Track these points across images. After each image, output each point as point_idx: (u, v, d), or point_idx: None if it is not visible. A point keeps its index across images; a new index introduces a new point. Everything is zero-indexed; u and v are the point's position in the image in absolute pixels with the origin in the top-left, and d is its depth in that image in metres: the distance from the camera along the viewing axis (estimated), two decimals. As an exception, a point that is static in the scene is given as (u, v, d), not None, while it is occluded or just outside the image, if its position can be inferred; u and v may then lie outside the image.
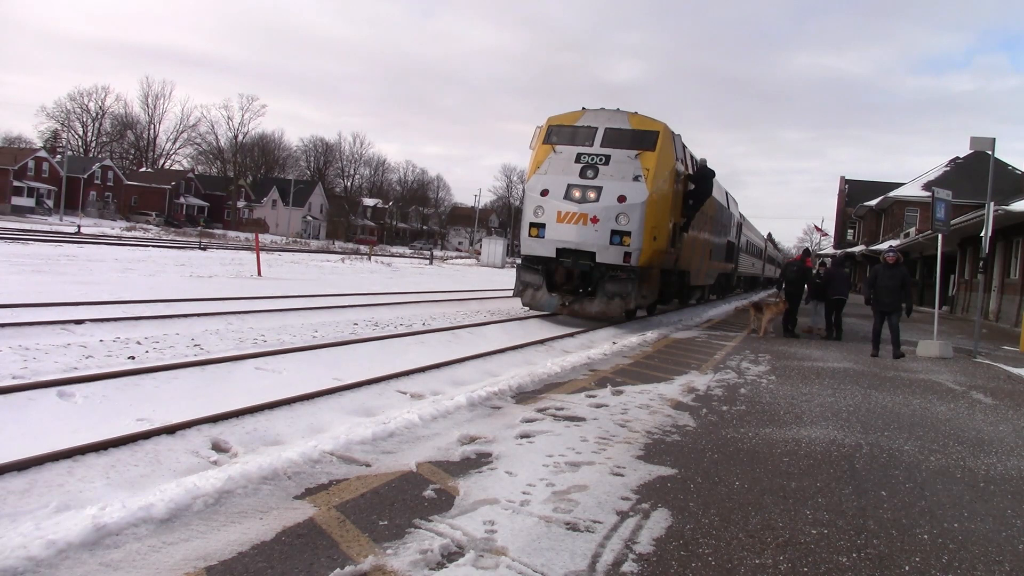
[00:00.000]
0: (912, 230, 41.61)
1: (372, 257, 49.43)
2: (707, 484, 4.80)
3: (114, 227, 58.06)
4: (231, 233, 72.71)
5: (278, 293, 16.43)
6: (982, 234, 15.20)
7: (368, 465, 4.77)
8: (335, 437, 5.16)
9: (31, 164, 76.42)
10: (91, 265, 20.51)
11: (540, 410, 6.64)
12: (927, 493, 4.98)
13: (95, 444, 4.92)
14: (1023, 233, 24.43)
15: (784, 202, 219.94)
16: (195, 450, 5.23)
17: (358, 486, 4.34)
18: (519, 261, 16.04)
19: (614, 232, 14.35)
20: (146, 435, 5.26)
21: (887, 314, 13.17)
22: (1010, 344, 17.72)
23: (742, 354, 11.94)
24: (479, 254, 62.91)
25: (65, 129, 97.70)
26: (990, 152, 15.12)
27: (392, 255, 64.05)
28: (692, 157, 18.20)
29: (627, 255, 14.36)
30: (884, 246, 41.53)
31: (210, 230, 72.45)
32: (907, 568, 3.68)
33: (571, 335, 13.60)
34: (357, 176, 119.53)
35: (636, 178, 14.46)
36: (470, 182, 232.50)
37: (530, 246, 15.13)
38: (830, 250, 64.69)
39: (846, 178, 70.10)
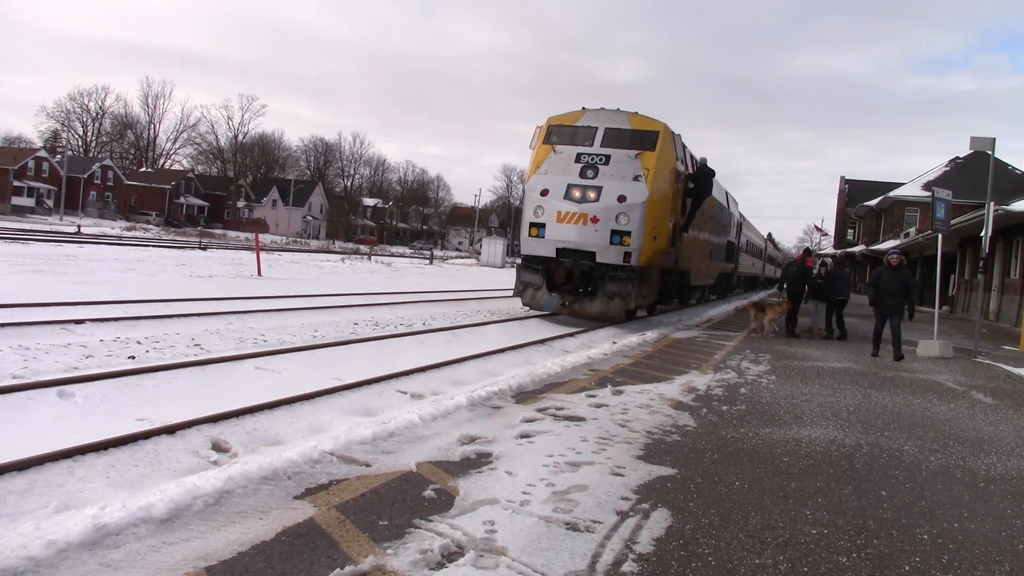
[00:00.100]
0: (912, 230, 41.62)
1: (372, 257, 49.43)
2: (707, 484, 4.80)
3: (114, 227, 58.05)
4: (231, 233, 72.72)
5: (278, 293, 16.43)
6: (982, 234, 15.20)
7: (368, 465, 4.77)
8: (335, 437, 5.16)
9: (31, 164, 76.43)
10: (91, 265, 20.51)
11: (540, 410, 6.64)
12: (927, 493, 4.98)
13: (95, 444, 4.92)
14: (1023, 233, 24.43)
15: (784, 202, 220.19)
16: (195, 450, 5.23)
17: (358, 486, 4.34)
18: (519, 261, 16.04)
19: (614, 232, 14.34)
20: (146, 435, 5.26)
21: (888, 316, 13.09)
22: (1010, 344, 17.72)
23: (742, 354, 11.94)
24: (479, 254, 62.92)
25: (65, 129, 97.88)
26: (990, 152, 15.12)
27: (392, 255, 64.05)
28: (692, 157, 18.20)
29: (627, 255, 14.35)
30: (885, 246, 41.57)
31: (210, 230, 72.45)
32: (907, 568, 3.68)
33: (571, 335, 13.60)
34: (357, 176, 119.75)
35: (636, 178, 14.46)
36: (470, 182, 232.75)
37: (530, 246, 15.13)
38: (830, 250, 64.68)
39: (846, 178, 70.13)
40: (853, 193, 65.61)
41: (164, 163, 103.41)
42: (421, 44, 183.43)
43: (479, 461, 4.99)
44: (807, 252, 19.27)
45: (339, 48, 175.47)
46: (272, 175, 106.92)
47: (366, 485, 4.36)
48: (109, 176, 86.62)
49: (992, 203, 15.37)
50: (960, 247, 31.50)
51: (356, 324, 12.35)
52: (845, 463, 5.59)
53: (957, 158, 48.51)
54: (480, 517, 3.93)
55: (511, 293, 16.99)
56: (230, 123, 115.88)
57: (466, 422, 6.05)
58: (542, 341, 12.30)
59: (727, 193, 26.44)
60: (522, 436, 5.68)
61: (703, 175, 17.73)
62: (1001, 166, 38.83)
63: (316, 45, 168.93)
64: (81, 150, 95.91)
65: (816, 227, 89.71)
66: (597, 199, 14.39)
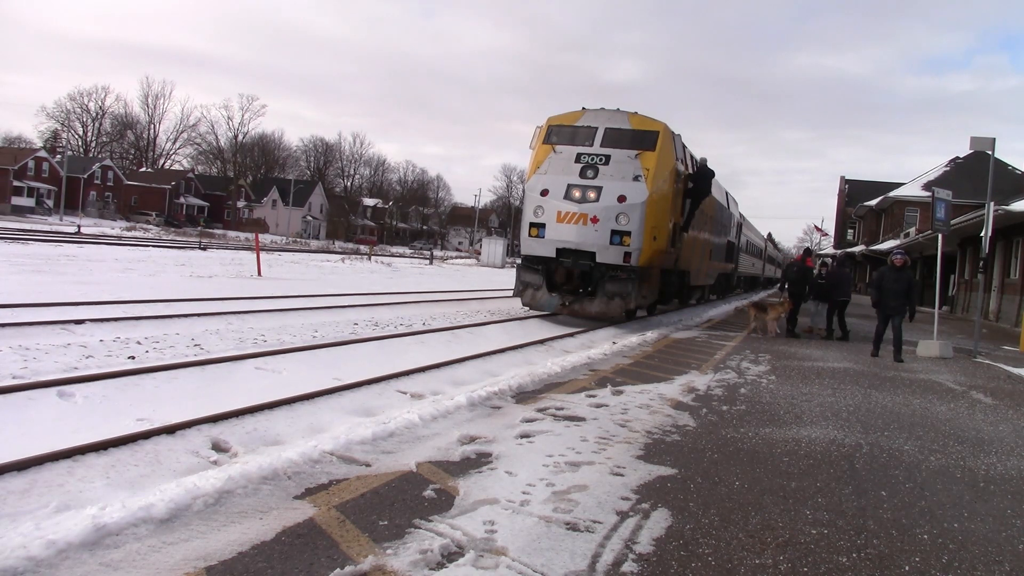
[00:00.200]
0: (912, 230, 41.62)
1: (372, 257, 49.43)
2: (707, 484, 4.80)
3: (114, 227, 58.06)
4: (231, 233, 72.72)
5: (278, 293, 16.43)
6: (982, 234, 15.20)
7: (368, 465, 4.77)
8: (335, 437, 5.16)
9: (31, 164, 76.42)
10: (91, 265, 20.52)
11: (540, 410, 6.64)
12: (927, 493, 4.98)
13: (95, 444, 4.92)
14: (1023, 233, 24.43)
15: (784, 202, 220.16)
16: (195, 450, 5.23)
17: (358, 486, 4.34)
18: (519, 261, 16.03)
19: (614, 232, 14.34)
20: (146, 435, 5.26)
21: (891, 316, 12.97)
22: (1010, 344, 17.72)
23: (742, 354, 11.94)
24: (479, 254, 62.92)
25: (65, 129, 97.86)
26: (990, 152, 15.12)
27: (392, 255, 64.06)
28: (692, 157, 18.21)
29: (627, 255, 14.35)
30: (885, 246, 41.57)
31: (210, 230, 72.46)
32: (907, 568, 3.68)
33: (571, 335, 13.60)
34: (357, 176, 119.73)
35: (636, 178, 14.46)
36: (470, 182, 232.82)
37: (530, 246, 15.13)
38: (830, 250, 64.68)
39: (846, 178, 70.14)
40: (853, 193, 65.61)
41: (164, 163, 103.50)
42: (421, 44, 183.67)
43: (479, 461, 4.99)
44: (807, 252, 19.26)
45: (339, 48, 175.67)
46: (272, 175, 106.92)
47: (366, 485, 4.36)
48: (109, 176, 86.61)
49: (992, 203, 15.37)
50: (960, 247, 31.50)
51: (356, 324, 12.35)
52: (845, 463, 5.59)
53: (957, 158, 48.51)
54: (480, 517, 3.93)
55: (511, 293, 16.99)
56: (230, 123, 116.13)
57: (466, 422, 6.05)
58: (542, 341, 12.30)
59: (727, 193, 26.44)
60: (522, 436, 5.68)
61: (703, 175, 17.73)
62: (1001, 166, 38.83)
63: (316, 45, 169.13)
64: (81, 150, 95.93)
65: (816, 227, 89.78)
66: (597, 199, 14.38)
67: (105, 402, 6.31)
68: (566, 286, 15.11)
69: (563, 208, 14.56)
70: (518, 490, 4.41)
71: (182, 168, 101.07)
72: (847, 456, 5.81)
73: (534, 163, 15.46)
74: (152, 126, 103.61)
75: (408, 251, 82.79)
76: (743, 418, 6.95)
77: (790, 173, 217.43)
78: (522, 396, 7.23)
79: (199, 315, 11.33)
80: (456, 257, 74.44)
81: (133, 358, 8.14)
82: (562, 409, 6.73)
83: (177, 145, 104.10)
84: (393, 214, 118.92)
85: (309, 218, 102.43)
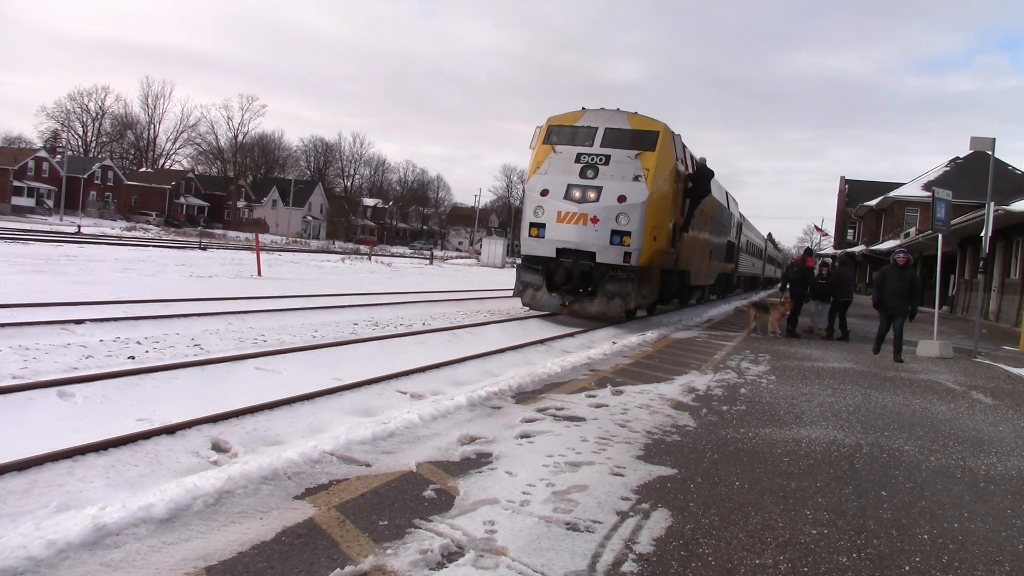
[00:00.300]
0: (912, 230, 41.62)
1: (372, 257, 49.44)
2: (707, 484, 4.80)
3: (114, 227, 58.06)
4: (231, 233, 72.72)
5: (278, 293, 16.43)
6: (982, 234, 15.20)
7: (368, 465, 4.77)
8: (335, 437, 5.16)
9: (31, 164, 76.42)
10: (91, 265, 20.52)
11: (540, 410, 6.64)
12: (927, 493, 4.98)
13: (95, 444, 4.92)
14: (1023, 233, 24.43)
15: (784, 202, 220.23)
16: (195, 450, 5.23)
17: (358, 486, 4.34)
18: (519, 261, 16.04)
19: (614, 232, 14.34)
20: (146, 435, 5.26)
21: (893, 316, 12.78)
22: (1010, 344, 17.72)
23: (742, 354, 11.94)
24: (479, 254, 62.93)
25: (65, 129, 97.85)
26: (990, 152, 15.12)
27: (392, 255, 64.06)
28: (692, 157, 18.21)
29: (627, 255, 14.35)
30: (885, 246, 41.56)
31: (210, 230, 72.46)
32: (907, 568, 3.68)
33: (571, 335, 13.60)
34: (357, 176, 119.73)
35: (636, 178, 14.46)
36: (470, 182, 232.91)
37: (530, 246, 15.13)
38: (830, 250, 64.66)
39: (846, 178, 70.11)
40: (853, 193, 65.59)
41: (164, 163, 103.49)
42: (421, 44, 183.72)
43: (479, 461, 4.99)
44: (808, 252, 19.24)
45: (339, 48, 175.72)
46: (272, 175, 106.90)
47: (366, 485, 4.36)
48: (109, 176, 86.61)
49: (992, 203, 15.36)
50: (960, 247, 31.50)
51: (356, 324, 12.35)
52: (845, 463, 5.59)
53: (957, 158, 48.50)
54: (480, 517, 3.93)
55: (511, 293, 16.99)
56: (230, 123, 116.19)
57: (466, 422, 6.05)
58: (542, 341, 12.30)
59: (727, 193, 26.45)
60: (522, 436, 5.68)
61: (702, 175, 17.73)
62: (1001, 166, 38.84)
63: (316, 45, 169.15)
64: (81, 150, 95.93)
65: (816, 227, 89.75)
66: (597, 199, 14.39)
67: (105, 402, 6.31)
68: (566, 286, 15.12)
69: (563, 208, 14.56)
70: (518, 490, 4.41)
71: (182, 168, 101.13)
72: (847, 456, 5.80)
73: (534, 163, 15.46)
74: (152, 126, 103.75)
75: (408, 251, 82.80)
76: (743, 418, 6.95)
77: (790, 173, 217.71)
78: (522, 396, 7.23)
79: (199, 315, 11.33)
80: (456, 257, 74.44)
81: (133, 358, 8.14)
82: (562, 409, 6.73)
83: (177, 145, 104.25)
84: (393, 214, 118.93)
85: (309, 218, 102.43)
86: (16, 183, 72.94)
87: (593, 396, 7.45)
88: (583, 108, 15.89)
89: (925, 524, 4.34)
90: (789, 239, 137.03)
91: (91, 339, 8.87)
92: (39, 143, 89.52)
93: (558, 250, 14.76)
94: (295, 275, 24.47)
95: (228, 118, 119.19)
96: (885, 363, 12.18)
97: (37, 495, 4.15)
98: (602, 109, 15.77)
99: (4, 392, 6.10)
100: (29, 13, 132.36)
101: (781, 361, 11.40)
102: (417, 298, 18.33)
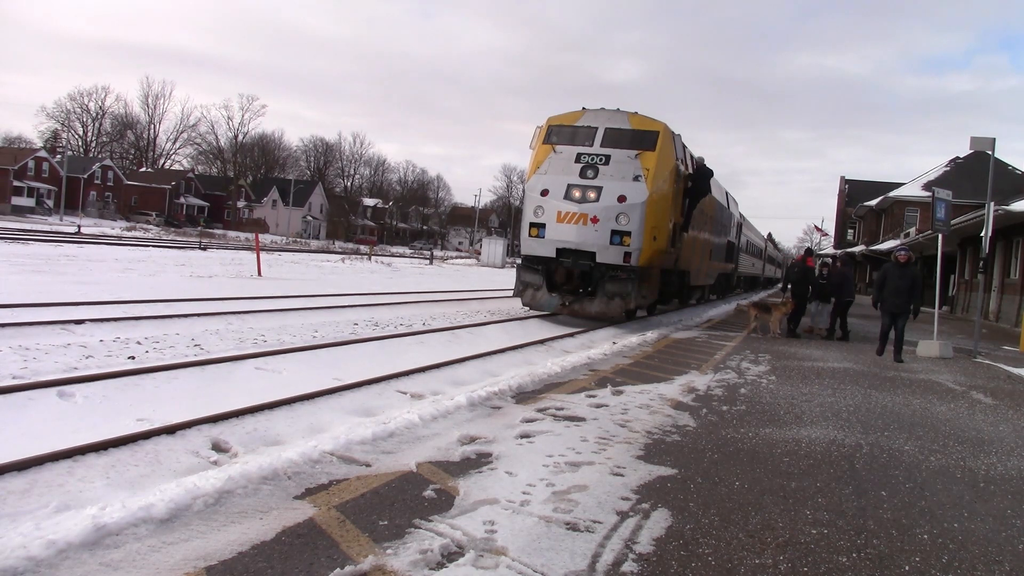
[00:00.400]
0: (912, 230, 41.62)
1: (372, 257, 49.44)
2: (707, 484, 4.80)
3: (114, 227, 58.07)
4: (231, 233, 72.72)
5: (278, 293, 16.43)
6: (982, 234, 15.19)
7: (368, 465, 4.77)
8: (335, 437, 5.16)
9: (31, 164, 76.43)
10: (91, 265, 20.52)
11: (540, 410, 6.64)
12: (927, 493, 4.98)
13: (95, 444, 4.92)
14: (1023, 233, 24.43)
15: (784, 202, 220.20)
16: (195, 450, 5.23)
17: (358, 486, 4.34)
18: (519, 261, 16.04)
19: (614, 232, 14.35)
20: (146, 435, 5.26)
21: (896, 316, 12.58)
22: (1010, 344, 17.72)
23: (742, 354, 11.94)
24: (479, 254, 62.93)
25: (65, 129, 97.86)
26: (990, 152, 15.12)
27: (392, 255, 64.06)
28: (692, 157, 18.21)
29: (627, 255, 14.36)
30: (886, 246, 41.55)
31: (210, 230, 72.46)
32: (907, 568, 3.68)
33: (571, 335, 13.60)
34: (357, 176, 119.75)
35: (636, 178, 14.46)
36: (470, 182, 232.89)
37: (530, 246, 15.13)
38: (830, 250, 64.66)
39: (846, 178, 70.10)
40: (853, 193, 65.59)
41: (164, 163, 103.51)
42: (421, 44, 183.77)
43: (479, 461, 4.99)
44: (808, 252, 19.23)
45: (339, 48, 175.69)
46: (272, 175, 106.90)
47: (366, 485, 4.36)
48: (109, 176, 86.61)
49: (992, 203, 15.36)
50: (960, 247, 31.50)
51: (356, 324, 12.34)
52: (845, 463, 5.59)
53: (957, 158, 48.49)
54: (480, 517, 3.93)
55: (511, 293, 16.99)
56: (230, 123, 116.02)
57: (466, 422, 6.05)
58: (542, 341, 12.30)
59: (727, 193, 26.45)
60: (522, 436, 5.68)
61: (700, 174, 17.73)
62: (1001, 166, 38.83)
63: (316, 45, 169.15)
64: (81, 150, 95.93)
65: (816, 227, 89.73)
66: (597, 199, 14.39)
67: (105, 402, 6.31)
68: (566, 286, 15.12)
69: (563, 208, 14.56)
70: (518, 490, 4.41)
71: (182, 168, 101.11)
72: (847, 456, 5.80)
73: (534, 163, 15.46)
74: (152, 126, 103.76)
75: (408, 251, 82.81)
76: (743, 418, 6.95)
77: (790, 173, 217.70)
78: (522, 396, 7.23)
79: (199, 315, 11.33)
80: (456, 257, 74.44)
81: (133, 358, 8.14)
82: (562, 409, 6.73)
83: (177, 145, 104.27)
84: (393, 214, 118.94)
85: (309, 218, 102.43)
86: (16, 183, 72.95)
87: (593, 396, 7.45)
88: (583, 108, 15.89)
89: (925, 524, 4.34)
90: (789, 239, 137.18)
91: (91, 339, 8.87)
92: (39, 143, 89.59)
93: (558, 250, 14.76)
94: (295, 275, 24.47)
95: (228, 118, 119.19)
96: (885, 363, 12.18)
97: (37, 495, 4.15)
98: (602, 109, 15.77)
99: (4, 392, 6.10)
100: (29, 13, 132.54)
101: (781, 361, 11.40)
102: (417, 298, 18.33)
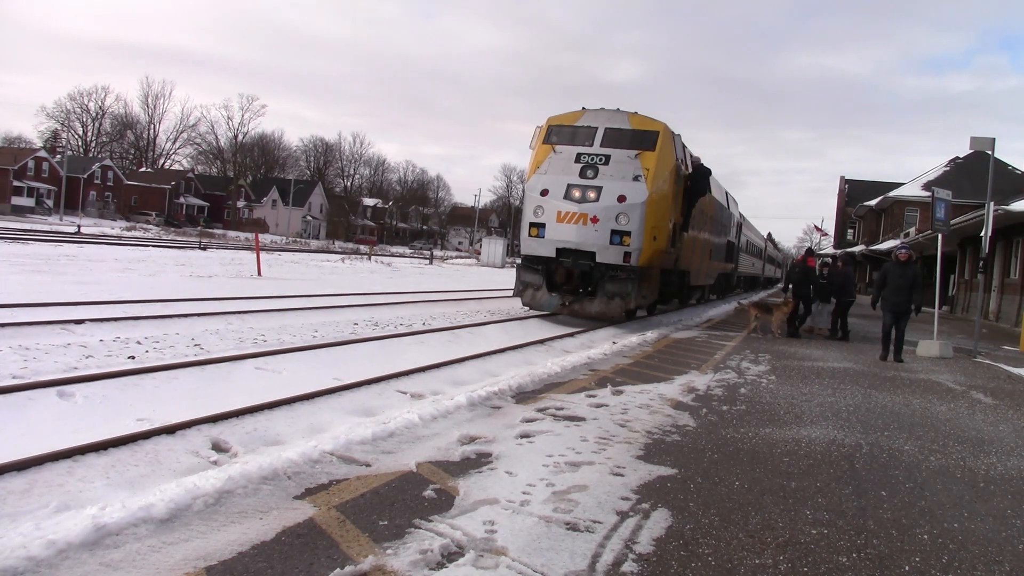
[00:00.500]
0: (912, 230, 41.62)
1: (372, 257, 49.44)
2: (707, 484, 4.80)
3: (114, 227, 58.06)
4: (231, 233, 72.72)
5: (278, 293, 16.43)
6: (982, 234, 15.19)
7: (368, 465, 4.76)
8: (335, 437, 5.16)
9: (31, 164, 76.41)
10: (91, 265, 20.52)
11: (540, 410, 6.64)
12: (927, 493, 4.98)
13: (95, 444, 4.92)
14: (1023, 233, 24.43)
15: (784, 202, 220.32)
16: (195, 450, 5.23)
17: (358, 486, 4.34)
18: (519, 261, 16.04)
19: (614, 232, 14.35)
20: (146, 435, 5.26)
21: (898, 315, 12.49)
22: (1010, 344, 17.72)
23: (742, 354, 11.94)
24: (479, 254, 62.93)
25: (65, 129, 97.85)
26: (990, 152, 15.12)
27: (392, 255, 64.05)
28: (691, 157, 18.21)
29: (627, 255, 14.36)
30: (885, 246, 41.54)
31: (210, 230, 72.45)
32: (907, 568, 3.68)
33: (571, 335, 13.60)
34: (357, 176, 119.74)
35: (636, 178, 14.46)
36: (470, 182, 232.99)
37: (530, 246, 15.14)
38: (830, 250, 64.64)
39: (846, 178, 70.11)
40: (853, 193, 65.58)
41: (164, 163, 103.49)
42: (421, 44, 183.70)
43: (479, 461, 4.99)
44: (810, 252, 19.21)
45: (339, 48, 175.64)
46: (272, 175, 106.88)
47: (366, 485, 4.36)
48: (109, 176, 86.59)
49: (992, 203, 15.36)
50: (960, 247, 31.50)
51: (356, 324, 12.34)
52: (845, 463, 5.59)
53: (957, 158, 48.49)
54: (480, 517, 3.93)
55: (511, 293, 16.99)
56: (230, 123, 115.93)
57: (466, 422, 6.05)
58: (542, 341, 12.30)
59: (727, 193, 26.45)
60: (522, 436, 5.68)
61: (699, 174, 17.74)
62: (1001, 166, 38.83)
63: (316, 45, 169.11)
64: (81, 150, 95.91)
65: (816, 227, 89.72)
66: (597, 199, 14.39)
67: (105, 402, 6.31)
68: (566, 286, 15.12)
69: (563, 208, 14.56)
70: (518, 490, 4.41)
71: (182, 168, 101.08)
72: (847, 456, 5.80)
73: (534, 163, 15.46)
74: (152, 126, 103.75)
75: (408, 251, 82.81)
76: (743, 418, 6.95)
77: (790, 173, 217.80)
78: (522, 396, 7.23)
79: (199, 315, 11.33)
80: (456, 257, 74.44)
81: (133, 358, 8.14)
82: (562, 409, 6.73)
83: (177, 145, 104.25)
84: (393, 214, 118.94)
85: (309, 218, 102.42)
86: (16, 183, 72.93)
87: (593, 396, 7.45)
88: (583, 108, 15.89)
89: (925, 524, 4.34)
90: (789, 239, 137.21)
91: (91, 339, 8.87)
92: (39, 143, 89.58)
93: (558, 250, 14.76)
94: (295, 275, 24.47)
95: (228, 118, 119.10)
96: (885, 363, 12.18)
97: (37, 495, 4.15)
98: (602, 109, 15.78)
99: (4, 392, 6.10)
100: (29, 13, 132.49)
101: (781, 361, 11.40)
102: (417, 298, 18.33)
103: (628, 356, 10.73)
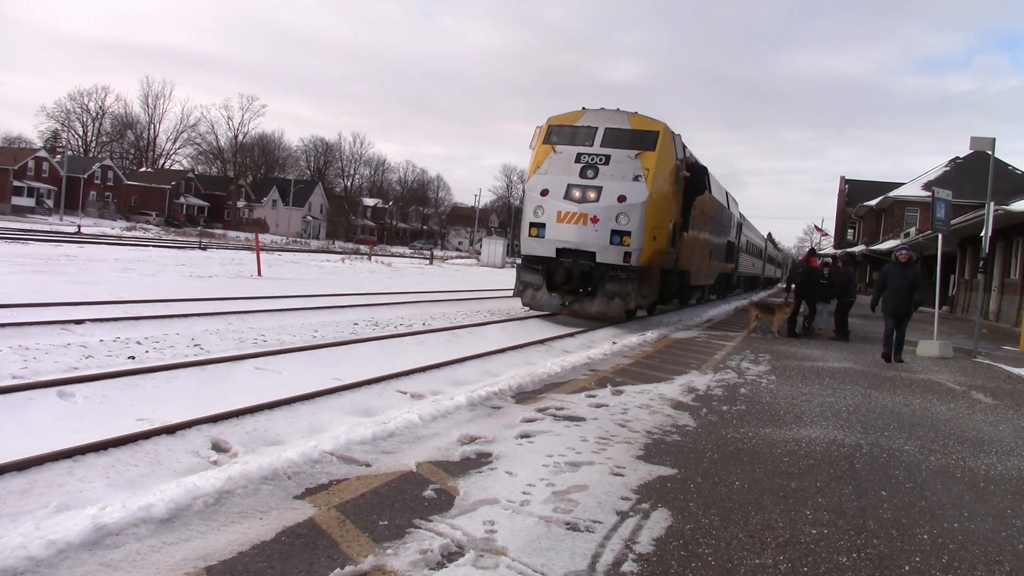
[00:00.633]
0: (912, 230, 41.62)
1: (372, 257, 49.44)
2: (707, 484, 4.80)
3: (114, 227, 58.05)
4: (231, 233, 72.70)
5: (278, 293, 16.43)
6: (982, 234, 15.19)
7: (368, 465, 4.76)
8: (335, 437, 5.16)
9: (31, 164, 76.39)
10: (91, 265, 20.52)
11: (540, 410, 6.64)
12: (927, 493, 4.98)
13: (95, 444, 4.92)
14: (1023, 233, 24.43)
15: (784, 202, 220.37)
16: (195, 450, 5.23)
17: (358, 486, 4.34)
18: (519, 261, 16.04)
19: (614, 232, 14.35)
20: (146, 435, 5.26)
21: (899, 318, 12.43)
22: (1010, 344, 17.72)
23: (742, 354, 11.93)
24: (479, 254, 62.93)
25: (65, 129, 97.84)
26: (990, 152, 15.11)
27: (392, 255, 64.05)
28: (691, 156, 18.22)
29: (627, 255, 14.36)
30: (885, 246, 41.55)
31: (210, 230, 72.45)
32: (907, 568, 3.68)
33: (571, 335, 13.59)
34: (357, 176, 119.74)
35: (636, 178, 14.46)
36: (470, 182, 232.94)
37: (530, 246, 15.14)
38: (830, 250, 64.64)
39: (846, 178, 70.12)
40: (853, 193, 65.59)
41: (164, 163, 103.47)
42: (421, 44, 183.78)
43: (479, 461, 4.99)
44: (811, 252, 19.19)
45: (340, 48, 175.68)
46: (272, 175, 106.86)
47: (366, 485, 4.36)
48: (109, 176, 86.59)
49: (992, 203, 15.36)
50: (960, 247, 31.50)
51: (356, 324, 12.34)
52: (845, 463, 5.59)
53: (957, 158, 48.51)
54: (480, 517, 3.93)
55: (511, 293, 16.99)
56: (230, 123, 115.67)
57: (466, 422, 6.05)
58: (542, 341, 12.30)
59: (727, 193, 26.44)
60: (522, 436, 5.68)
61: (696, 173, 17.74)
62: (1001, 166, 38.82)
63: (316, 45, 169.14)
64: (81, 150, 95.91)
65: (816, 227, 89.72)
66: (597, 199, 14.39)
67: (105, 402, 6.31)
68: (566, 286, 15.12)
69: (563, 208, 14.56)
70: (518, 490, 4.41)
71: (182, 168, 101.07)
72: (847, 456, 5.80)
73: (534, 163, 15.47)
74: (152, 126, 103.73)
75: (408, 251, 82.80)
76: (743, 418, 6.95)
77: (790, 173, 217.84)
78: (522, 396, 7.23)
79: (199, 315, 11.33)
80: (456, 257, 74.44)
81: (133, 358, 8.14)
82: (562, 409, 6.72)
83: (177, 145, 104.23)
84: (393, 214, 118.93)
85: (309, 218, 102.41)
86: (16, 183, 72.91)
87: (593, 396, 7.45)
88: (583, 108, 15.89)
89: (925, 524, 4.34)
90: (789, 239, 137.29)
91: (91, 339, 8.87)
92: (39, 143, 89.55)
93: (558, 250, 14.76)
94: (295, 275, 24.47)
95: (228, 118, 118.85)
96: (884, 363, 12.17)
97: (37, 495, 4.15)
98: (602, 109, 15.78)
99: (4, 392, 6.10)
100: (29, 13, 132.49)
101: (781, 361, 11.40)
102: (417, 298, 18.33)
103: (628, 356, 10.73)
